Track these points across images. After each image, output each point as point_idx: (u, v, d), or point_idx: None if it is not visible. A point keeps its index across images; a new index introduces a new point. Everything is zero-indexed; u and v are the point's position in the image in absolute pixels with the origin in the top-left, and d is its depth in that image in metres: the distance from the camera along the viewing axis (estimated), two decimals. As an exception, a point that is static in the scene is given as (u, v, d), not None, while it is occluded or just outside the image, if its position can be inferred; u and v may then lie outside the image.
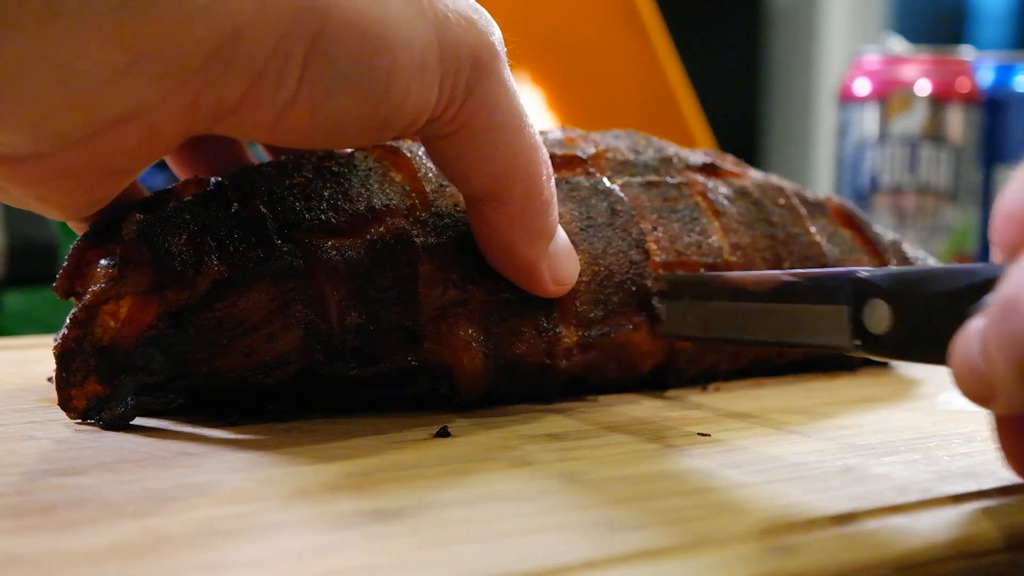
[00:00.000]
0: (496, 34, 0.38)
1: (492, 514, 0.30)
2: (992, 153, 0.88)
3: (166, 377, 0.38)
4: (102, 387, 0.38)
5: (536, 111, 1.08)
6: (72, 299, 0.40)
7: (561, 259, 0.42)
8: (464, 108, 0.37)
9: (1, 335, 0.72)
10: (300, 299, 0.39)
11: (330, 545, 0.27)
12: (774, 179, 0.54)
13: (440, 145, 0.39)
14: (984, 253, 0.88)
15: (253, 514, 0.29)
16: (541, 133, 0.50)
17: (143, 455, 0.35)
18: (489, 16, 0.38)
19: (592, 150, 0.49)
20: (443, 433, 0.39)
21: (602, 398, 0.46)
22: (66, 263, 0.39)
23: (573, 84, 1.11)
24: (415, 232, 0.41)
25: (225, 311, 0.38)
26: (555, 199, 0.41)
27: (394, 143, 0.44)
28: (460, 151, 0.39)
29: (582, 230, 0.45)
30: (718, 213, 0.49)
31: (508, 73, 0.38)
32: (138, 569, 0.25)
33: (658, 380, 0.47)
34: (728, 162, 0.53)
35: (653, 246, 0.46)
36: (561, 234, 0.42)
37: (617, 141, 0.50)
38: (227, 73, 0.33)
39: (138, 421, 0.38)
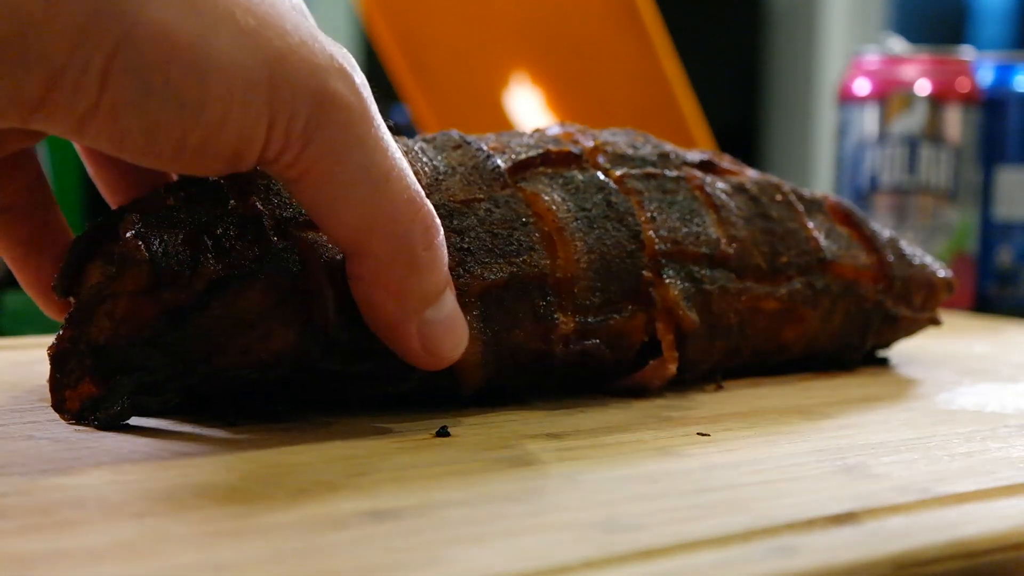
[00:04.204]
0: (351, 84, 0.36)
1: (492, 514, 0.30)
2: (992, 153, 0.88)
3: (163, 376, 0.38)
4: (97, 388, 0.38)
5: (536, 112, 1.08)
6: (71, 299, 0.40)
7: (439, 328, 0.39)
8: (303, 156, 0.36)
9: (1, 335, 0.72)
10: (296, 296, 0.39)
11: (330, 545, 0.27)
12: (771, 177, 0.54)
13: (291, 189, 0.37)
14: (984, 253, 0.88)
15: (253, 514, 0.29)
16: (538, 129, 0.51)
17: (142, 455, 0.35)
18: (352, 63, 0.36)
19: (590, 143, 0.49)
20: (443, 433, 0.39)
21: (601, 397, 0.46)
22: (64, 263, 0.39)
23: (573, 84, 1.10)
24: None
25: (222, 310, 0.38)
26: (438, 263, 0.38)
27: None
28: (310, 199, 0.37)
29: (577, 220, 0.45)
30: (715, 207, 0.50)
31: (363, 126, 0.36)
32: (138, 569, 0.25)
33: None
34: (725, 161, 0.54)
35: (651, 235, 0.47)
36: (448, 303, 0.39)
37: (615, 137, 0.51)
38: (21, 68, 0.32)
39: (137, 421, 0.38)
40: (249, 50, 0.34)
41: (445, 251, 0.39)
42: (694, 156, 0.52)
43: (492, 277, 0.42)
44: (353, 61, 0.37)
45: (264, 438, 0.37)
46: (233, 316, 0.38)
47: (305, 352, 0.39)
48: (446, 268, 0.39)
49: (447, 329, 0.39)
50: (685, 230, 0.48)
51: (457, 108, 1.10)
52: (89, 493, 0.31)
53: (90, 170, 0.46)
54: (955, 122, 0.87)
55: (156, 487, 0.32)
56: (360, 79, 0.37)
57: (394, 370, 0.40)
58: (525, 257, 0.43)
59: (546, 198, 0.45)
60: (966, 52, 0.90)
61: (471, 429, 0.40)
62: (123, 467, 0.33)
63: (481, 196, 0.43)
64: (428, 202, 0.38)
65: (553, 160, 0.47)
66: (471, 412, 0.42)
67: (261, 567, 0.26)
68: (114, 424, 0.37)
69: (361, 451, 0.36)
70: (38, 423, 0.38)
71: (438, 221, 0.38)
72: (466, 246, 0.42)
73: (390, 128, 0.38)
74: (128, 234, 0.38)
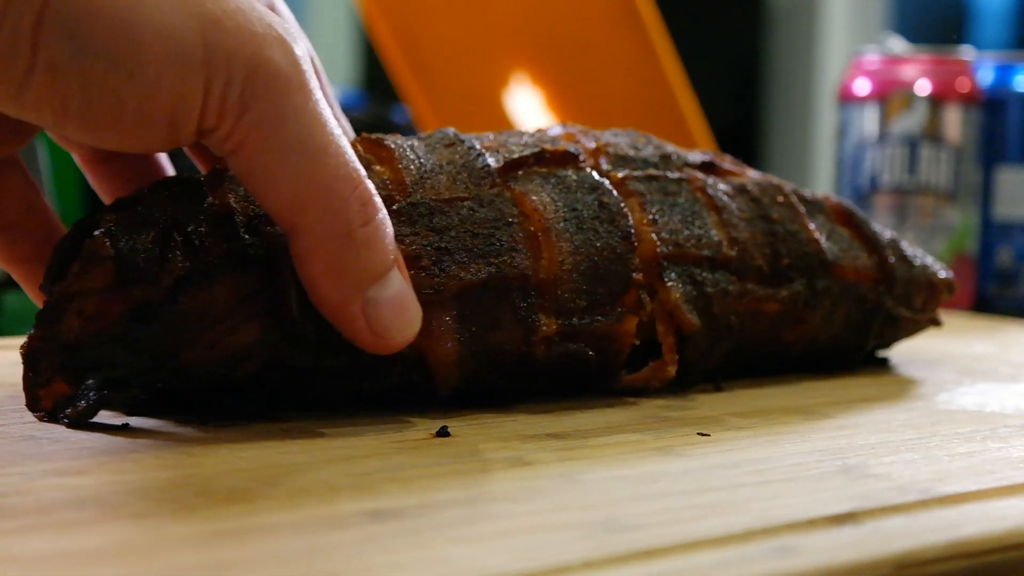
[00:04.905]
0: (289, 53, 0.36)
1: (492, 514, 0.30)
2: (992, 153, 0.88)
3: (129, 372, 0.38)
4: (68, 387, 0.38)
5: (536, 111, 1.08)
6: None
7: (385, 309, 0.38)
8: (240, 125, 0.35)
9: (1, 335, 0.72)
10: (263, 291, 0.38)
11: (330, 545, 0.27)
12: (773, 178, 0.54)
13: (230, 162, 0.37)
14: (984, 253, 0.88)
15: (253, 514, 0.29)
16: (540, 129, 0.50)
17: (142, 456, 0.35)
18: (294, 34, 0.36)
19: (592, 144, 0.49)
20: (443, 433, 0.39)
21: (601, 398, 0.46)
22: (49, 263, 0.39)
23: (573, 84, 1.11)
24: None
25: (188, 304, 0.38)
26: (378, 240, 0.37)
27: (379, 135, 0.44)
28: (246, 171, 0.37)
29: (565, 221, 0.44)
30: (717, 208, 0.49)
31: (301, 97, 0.36)
32: (138, 569, 0.25)
33: (676, 378, 0.47)
34: (727, 162, 0.53)
35: (653, 237, 0.46)
36: (395, 283, 0.38)
37: (617, 138, 0.50)
38: None
39: (136, 422, 0.38)
40: (181, 13, 0.34)
41: (389, 230, 0.38)
42: (695, 157, 0.52)
43: (469, 277, 0.41)
44: (295, 34, 0.37)
45: (264, 438, 0.37)
46: (199, 311, 0.38)
47: (273, 346, 0.39)
48: (390, 247, 0.38)
49: (394, 310, 0.38)
50: (687, 232, 0.48)
51: (457, 108, 1.10)
52: (89, 493, 0.31)
53: (88, 177, 0.46)
54: (955, 122, 0.87)
55: (156, 487, 0.32)
56: (300, 51, 0.36)
57: (369, 366, 0.40)
58: (505, 257, 0.42)
59: (534, 198, 0.44)
60: (966, 52, 0.90)
61: (471, 429, 0.40)
62: (123, 467, 0.33)
63: (466, 195, 0.43)
64: (368, 181, 0.38)
65: (548, 160, 0.46)
66: (471, 412, 0.42)
67: (261, 567, 0.26)
68: (81, 421, 0.37)
69: (361, 451, 0.36)
70: (38, 423, 0.38)
71: (378, 199, 0.38)
72: (444, 245, 0.41)
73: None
74: (97, 232, 0.38)
